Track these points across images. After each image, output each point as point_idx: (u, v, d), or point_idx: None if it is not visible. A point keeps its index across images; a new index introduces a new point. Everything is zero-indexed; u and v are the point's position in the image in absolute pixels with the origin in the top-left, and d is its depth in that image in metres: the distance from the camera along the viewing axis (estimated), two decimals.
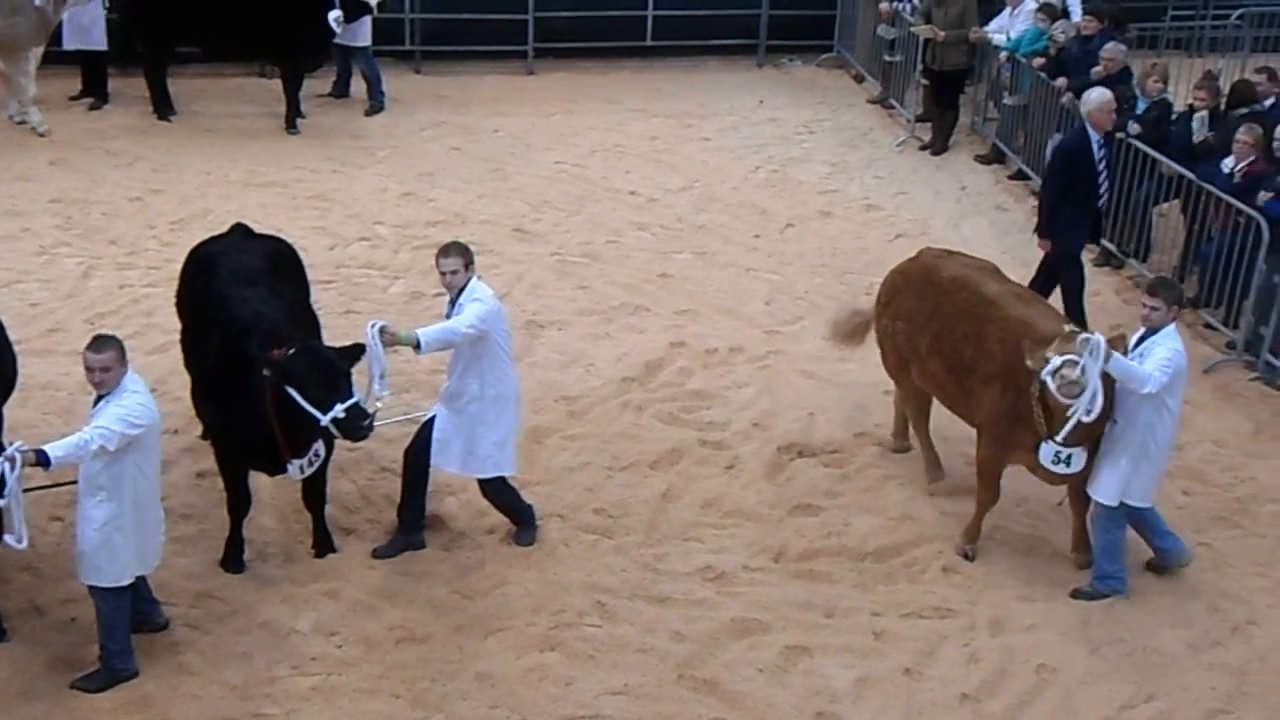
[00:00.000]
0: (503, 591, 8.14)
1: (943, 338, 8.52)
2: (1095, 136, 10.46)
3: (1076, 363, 7.44)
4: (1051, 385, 7.52)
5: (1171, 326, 7.87)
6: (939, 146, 14.35)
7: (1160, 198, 11.72)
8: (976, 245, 12.10)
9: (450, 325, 7.85)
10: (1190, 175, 11.08)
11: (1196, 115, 11.64)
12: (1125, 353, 7.69)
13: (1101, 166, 10.51)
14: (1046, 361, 7.54)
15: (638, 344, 10.70)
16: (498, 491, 8.41)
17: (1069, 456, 7.89)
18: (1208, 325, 11.09)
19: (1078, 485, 8.20)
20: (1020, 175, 13.63)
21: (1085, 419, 7.55)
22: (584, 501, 8.92)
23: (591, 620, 7.94)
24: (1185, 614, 8.16)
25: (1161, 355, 7.72)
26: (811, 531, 8.74)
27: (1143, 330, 7.94)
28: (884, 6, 15.01)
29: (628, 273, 11.83)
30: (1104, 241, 12.07)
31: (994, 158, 14.10)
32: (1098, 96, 10.62)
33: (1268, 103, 11.70)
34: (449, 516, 8.68)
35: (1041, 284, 10.57)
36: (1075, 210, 10.48)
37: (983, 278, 8.70)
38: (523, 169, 13.75)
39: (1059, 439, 7.78)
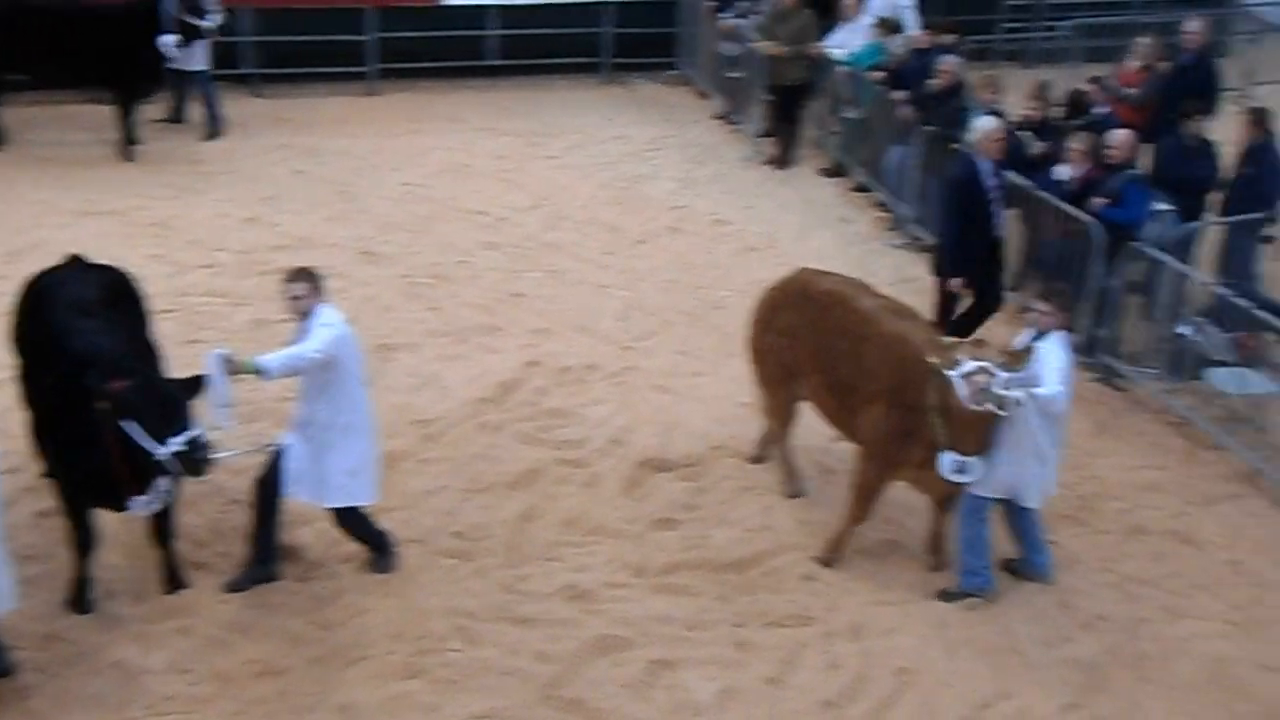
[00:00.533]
0: (361, 620, 8.01)
1: (821, 355, 8.62)
2: (984, 165, 10.42)
3: (991, 373, 7.57)
4: (962, 389, 7.62)
5: (1060, 332, 8.08)
6: (783, 161, 14.54)
7: None
8: (824, 257, 12.28)
9: (297, 351, 7.71)
10: (1026, 184, 11.36)
11: (1023, 133, 11.91)
12: (1023, 366, 7.80)
13: (993, 195, 10.46)
14: (956, 364, 7.65)
15: (492, 364, 10.64)
16: (350, 521, 8.26)
17: (968, 466, 7.99)
18: None
19: (957, 492, 8.32)
20: (862, 188, 13.87)
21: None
22: (442, 525, 8.83)
23: (453, 645, 7.85)
24: (1037, 611, 8.35)
25: (1054, 365, 7.90)
26: (672, 545, 8.77)
27: (1031, 334, 8.09)
28: (725, 23, 15.17)
29: (479, 293, 11.76)
30: None
31: (837, 170, 14.33)
32: (983, 125, 10.55)
33: (1099, 111, 12.06)
34: (303, 547, 8.51)
35: (960, 320, 10.73)
36: (972, 241, 10.50)
37: (857, 293, 8.82)
38: (369, 191, 13.59)
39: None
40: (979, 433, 7.85)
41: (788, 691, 7.69)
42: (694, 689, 7.66)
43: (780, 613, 8.24)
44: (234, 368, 7.49)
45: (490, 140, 15.00)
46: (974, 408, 7.64)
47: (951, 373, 7.65)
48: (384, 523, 8.50)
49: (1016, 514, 8.37)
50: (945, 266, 10.72)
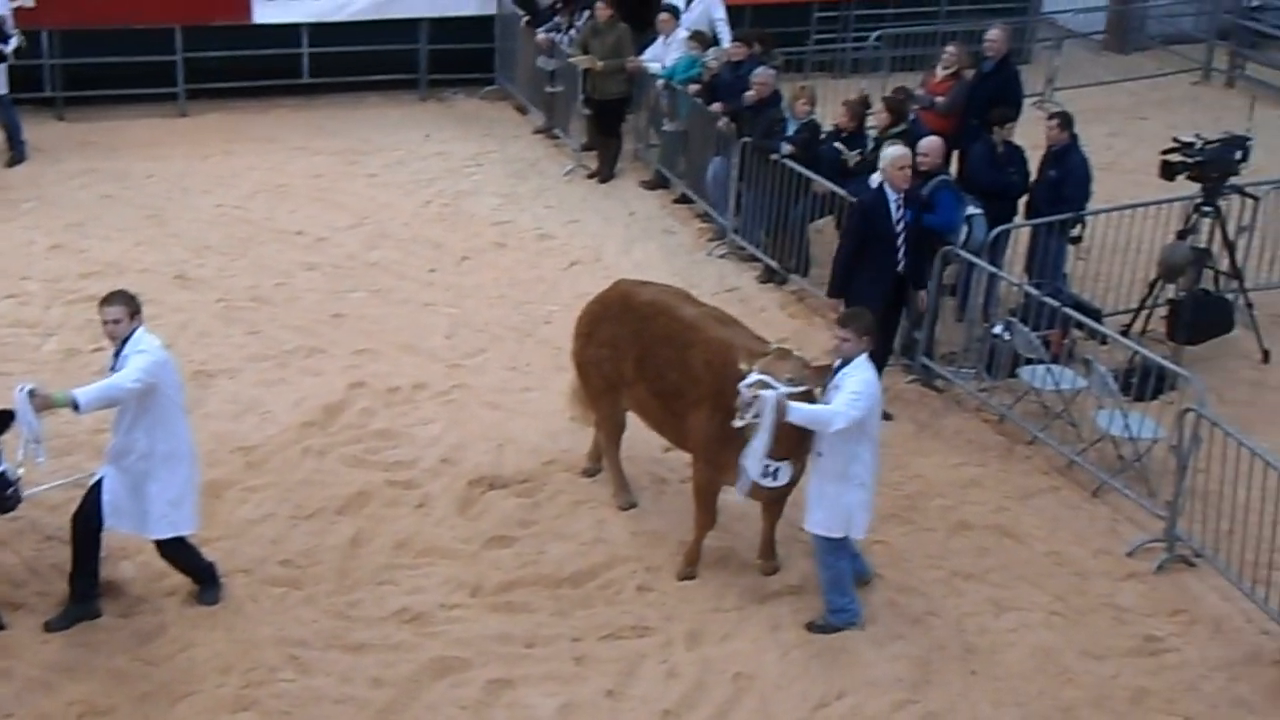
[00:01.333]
0: (189, 655, 7.79)
1: (646, 363, 8.66)
2: (893, 195, 10.04)
3: (769, 385, 7.65)
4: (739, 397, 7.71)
5: (863, 357, 7.97)
6: (605, 174, 14.60)
7: (815, 214, 12.23)
8: (648, 269, 12.36)
9: (114, 381, 7.48)
10: (842, 192, 11.59)
11: (835, 145, 12.13)
12: (823, 389, 7.87)
13: (900, 227, 10.03)
14: (748, 372, 7.74)
15: (315, 387, 10.46)
16: (176, 551, 8.05)
17: (776, 470, 8.06)
18: None
19: (780, 495, 8.41)
20: (684, 199, 14.00)
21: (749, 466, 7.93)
22: (269, 554, 8.64)
23: (285, 675, 7.69)
24: (868, 611, 8.48)
25: (851, 389, 7.83)
26: (507, 563, 8.71)
27: (839, 360, 8.07)
28: (542, 38, 15.19)
29: (300, 315, 11.55)
30: (765, 258, 12.52)
31: (658, 183, 14.43)
32: (890, 153, 10.16)
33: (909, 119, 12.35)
34: (125, 581, 8.25)
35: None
36: (871, 272, 10.07)
37: (679, 302, 8.90)
38: (181, 214, 13.26)
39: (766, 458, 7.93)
40: (785, 439, 7.91)
41: (627, 703, 7.70)
42: (534, 706, 7.62)
43: (618, 625, 8.25)
44: (44, 402, 7.23)
45: (307, 159, 14.76)
46: (741, 417, 7.73)
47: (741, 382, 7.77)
48: (209, 553, 8.29)
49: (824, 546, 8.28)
50: (831, 287, 10.40)
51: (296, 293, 11.91)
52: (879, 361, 9.74)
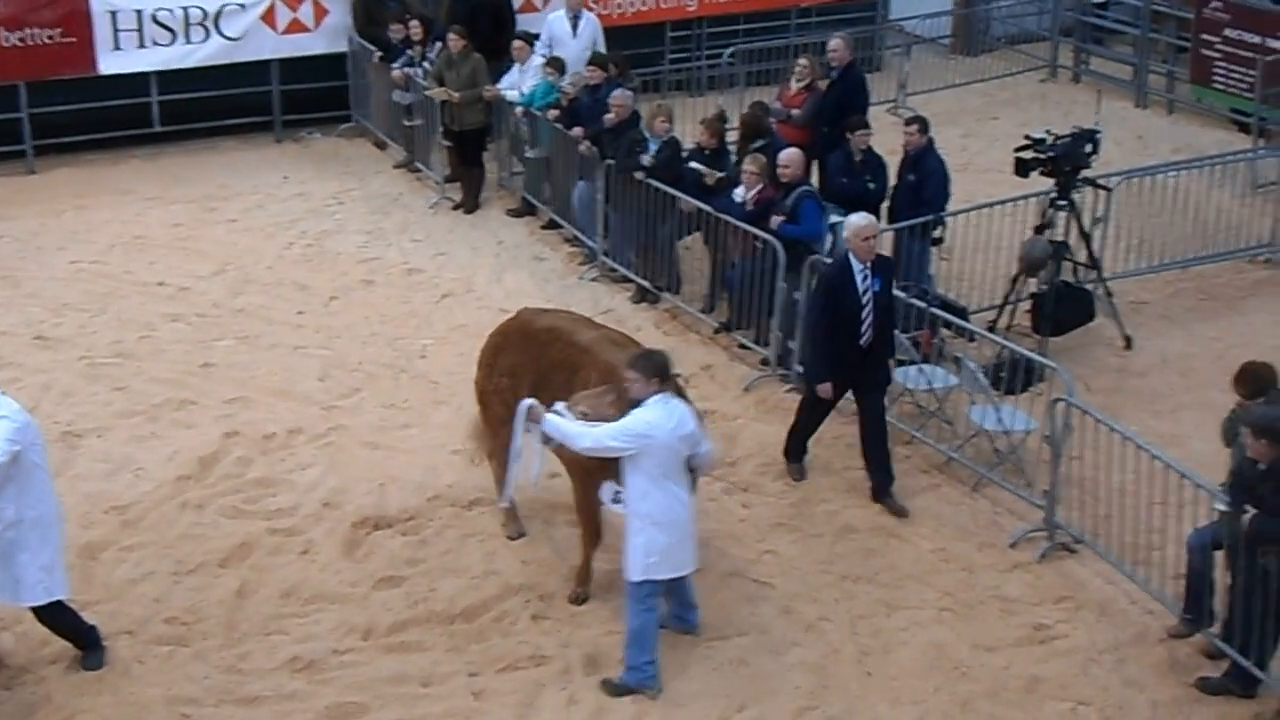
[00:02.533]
0: None
1: (541, 389, 8.61)
2: (858, 266, 9.46)
3: (538, 412, 7.81)
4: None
5: (655, 399, 7.65)
6: (470, 205, 14.53)
7: (683, 232, 12.30)
8: (520, 297, 12.33)
9: None
10: (707, 208, 11.67)
11: (690, 165, 12.18)
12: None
13: (866, 299, 9.44)
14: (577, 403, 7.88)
15: (188, 440, 10.25)
16: (55, 617, 7.83)
17: (618, 493, 8.00)
18: (742, 346, 11.71)
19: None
20: (552, 225, 13.99)
21: (520, 478, 8.11)
22: (153, 613, 8.44)
23: None
24: (760, 621, 8.55)
25: (624, 421, 7.63)
26: (398, 603, 8.61)
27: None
28: (396, 73, 15.09)
29: (167, 367, 11.31)
30: (637, 279, 12.56)
31: (525, 210, 14.41)
32: (854, 221, 9.63)
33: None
34: (6, 653, 8.00)
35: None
36: (831, 345, 9.61)
37: (577, 327, 8.92)
38: (36, 273, 12.91)
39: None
40: (608, 462, 7.94)
41: None
42: None
43: (515, 656, 8.20)
44: None
45: (163, 209, 14.46)
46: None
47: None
48: (90, 617, 8.07)
49: (677, 583, 8.15)
50: (810, 370, 9.94)
51: (162, 345, 11.67)
52: (871, 453, 9.66)
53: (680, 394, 8.04)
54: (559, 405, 7.89)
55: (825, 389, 9.65)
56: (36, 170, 15.35)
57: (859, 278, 9.46)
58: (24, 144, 15.35)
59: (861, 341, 9.51)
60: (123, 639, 8.18)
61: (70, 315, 12.10)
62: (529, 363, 8.85)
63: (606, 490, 8.09)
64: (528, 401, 7.93)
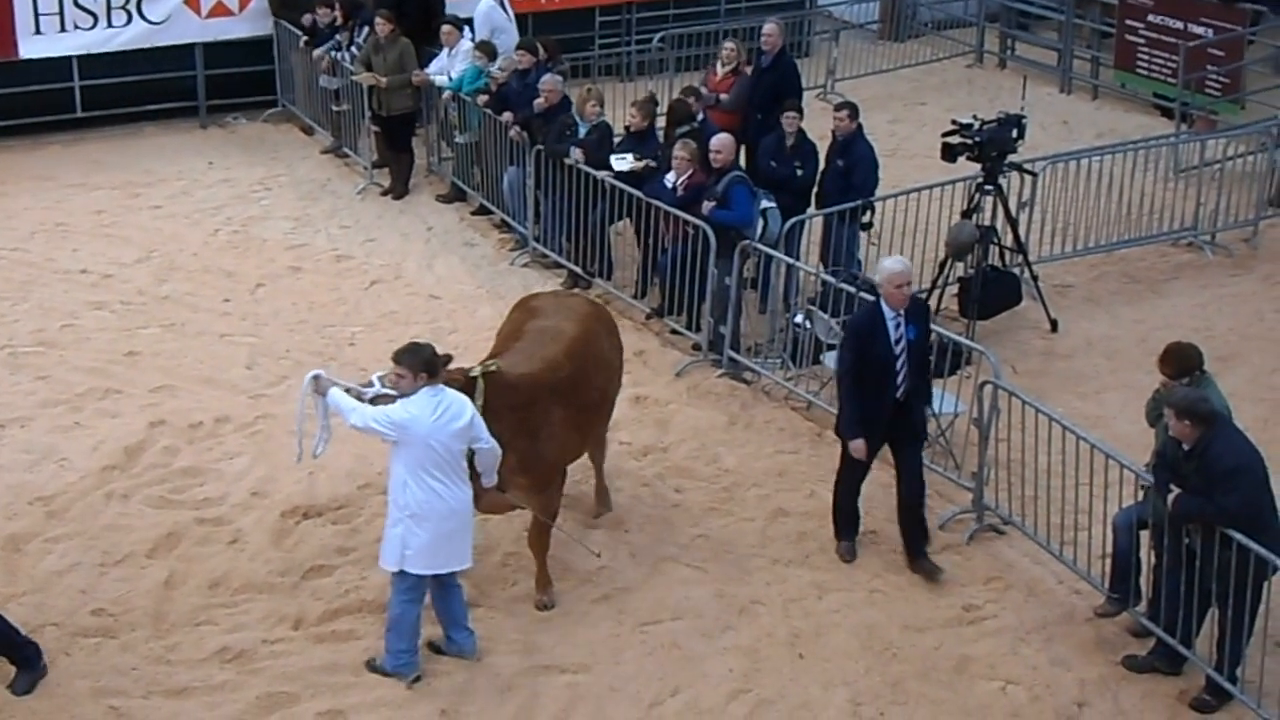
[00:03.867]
0: (4, 718, 7.45)
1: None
2: (890, 313, 8.74)
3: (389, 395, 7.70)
4: None
5: (421, 392, 7.49)
6: (399, 190, 14.43)
7: (614, 217, 12.29)
8: (451, 283, 12.29)
9: None
10: (638, 193, 11.66)
11: (614, 157, 12.07)
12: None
13: (900, 348, 8.72)
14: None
15: (113, 429, 10.11)
16: None
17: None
18: (674, 331, 11.72)
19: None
20: (482, 210, 13.92)
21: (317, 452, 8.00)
22: (79, 604, 8.33)
23: None
24: (694, 604, 8.57)
25: (391, 408, 7.54)
26: (328, 592, 8.55)
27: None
28: (322, 57, 14.93)
29: (90, 356, 11.15)
30: (569, 264, 12.53)
31: (455, 195, 14.33)
32: (887, 267, 8.86)
33: (699, 118, 12.49)
34: None
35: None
36: (867, 401, 8.81)
37: (542, 315, 8.93)
38: None
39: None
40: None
41: None
42: None
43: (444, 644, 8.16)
44: None
45: (85, 195, 14.25)
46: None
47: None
48: (12, 609, 7.93)
49: (445, 590, 7.99)
50: (841, 426, 9.02)
51: (85, 333, 11.50)
52: (908, 513, 8.95)
53: (471, 387, 7.85)
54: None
55: (858, 447, 8.81)
56: None
57: (891, 326, 8.70)
58: None
59: (897, 394, 8.78)
60: (49, 630, 8.06)
61: None
62: (503, 335, 8.92)
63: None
64: (314, 371, 7.90)
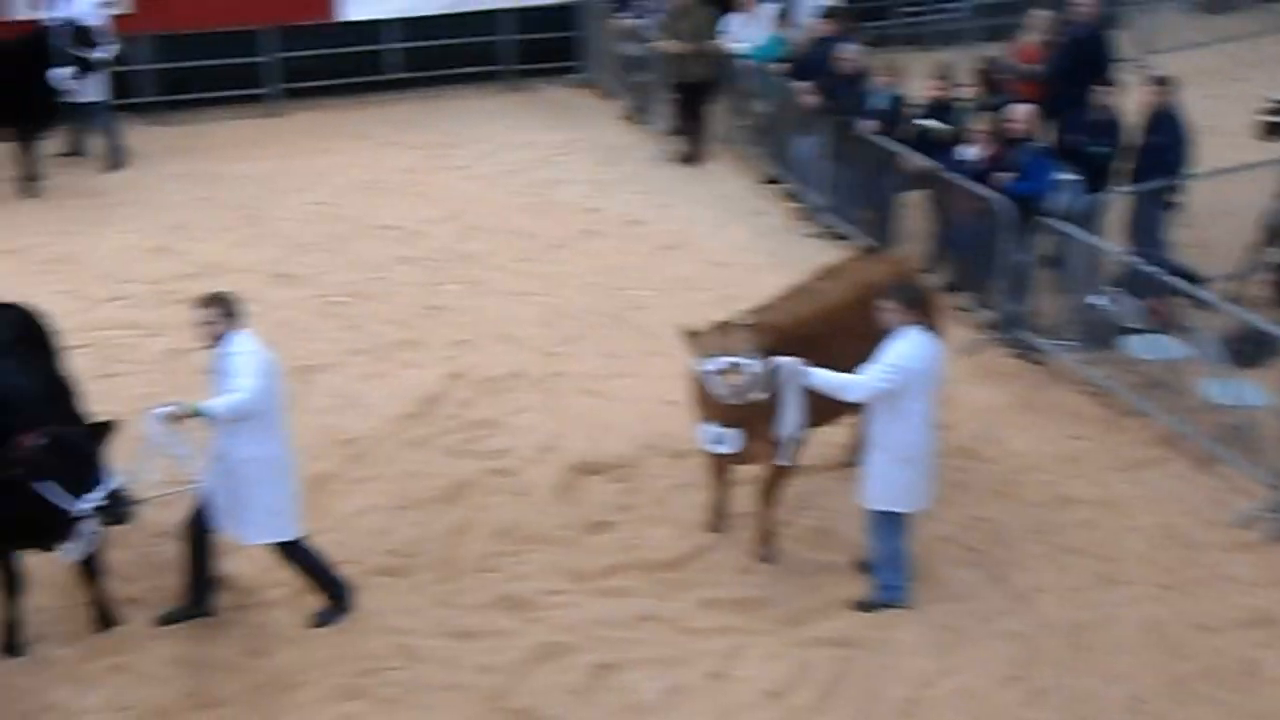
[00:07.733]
0: (299, 646, 7.91)
1: None
2: None
3: (740, 367, 7.68)
4: (717, 385, 7.81)
5: (912, 330, 7.66)
6: (693, 157, 14.57)
7: (906, 189, 12.10)
8: (740, 250, 12.35)
9: (241, 399, 7.40)
10: (933, 164, 11.46)
11: (923, 121, 11.97)
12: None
13: None
14: (708, 356, 7.83)
15: (414, 379, 10.56)
16: (292, 558, 8.00)
17: (721, 436, 7.96)
18: (961, 309, 11.49)
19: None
20: (774, 179, 13.93)
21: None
22: (375, 545, 8.75)
23: (394, 664, 7.78)
24: (969, 587, 8.42)
25: (887, 360, 7.58)
26: (607, 548, 8.75)
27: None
28: (625, 24, 15.17)
29: (396, 308, 11.67)
30: (857, 235, 12.41)
31: (748, 164, 14.36)
32: None
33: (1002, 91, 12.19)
34: (236, 575, 8.39)
35: None
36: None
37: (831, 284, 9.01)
38: (277, 213, 13.45)
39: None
40: (730, 406, 7.86)
41: (732, 684, 7.70)
42: (639, 689, 7.65)
43: (720, 606, 8.24)
44: (181, 415, 7.30)
45: (397, 154, 14.89)
46: (730, 400, 7.82)
47: (703, 368, 7.87)
48: (318, 545, 8.38)
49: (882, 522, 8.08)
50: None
51: (393, 287, 12.04)
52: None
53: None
54: (722, 361, 7.82)
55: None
56: (279, 114, 15.97)
57: None
58: (267, 88, 15.97)
59: None
60: (346, 567, 8.46)
61: (308, 255, 12.57)
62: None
63: (707, 433, 7.99)
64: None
